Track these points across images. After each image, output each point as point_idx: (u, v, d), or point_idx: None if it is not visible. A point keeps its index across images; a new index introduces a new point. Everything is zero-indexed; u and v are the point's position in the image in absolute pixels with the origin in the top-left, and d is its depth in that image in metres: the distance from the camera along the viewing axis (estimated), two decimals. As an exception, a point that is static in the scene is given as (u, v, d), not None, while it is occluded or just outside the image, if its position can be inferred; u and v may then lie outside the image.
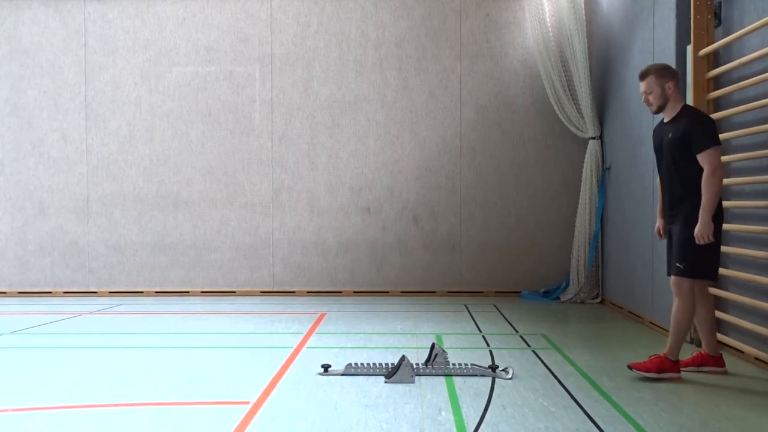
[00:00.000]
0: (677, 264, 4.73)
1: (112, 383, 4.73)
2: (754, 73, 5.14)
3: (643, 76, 4.87)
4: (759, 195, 5.13)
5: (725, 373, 4.89)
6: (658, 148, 4.95)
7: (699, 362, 4.94)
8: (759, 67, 5.08)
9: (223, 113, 9.45)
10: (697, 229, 4.58)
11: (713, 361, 4.93)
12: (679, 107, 4.83)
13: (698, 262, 4.69)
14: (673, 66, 6.18)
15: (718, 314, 5.60)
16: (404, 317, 7.48)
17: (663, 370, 4.73)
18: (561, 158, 9.20)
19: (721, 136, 5.51)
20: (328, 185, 9.38)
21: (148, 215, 9.48)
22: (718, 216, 4.71)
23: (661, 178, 5.03)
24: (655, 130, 5.07)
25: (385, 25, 9.36)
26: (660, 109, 4.87)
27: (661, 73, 4.80)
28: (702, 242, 4.58)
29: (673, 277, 4.78)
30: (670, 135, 4.79)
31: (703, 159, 4.59)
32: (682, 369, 4.86)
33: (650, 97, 4.84)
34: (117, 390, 4.56)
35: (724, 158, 5.51)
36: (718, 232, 4.71)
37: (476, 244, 9.30)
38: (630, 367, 4.79)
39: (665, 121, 4.89)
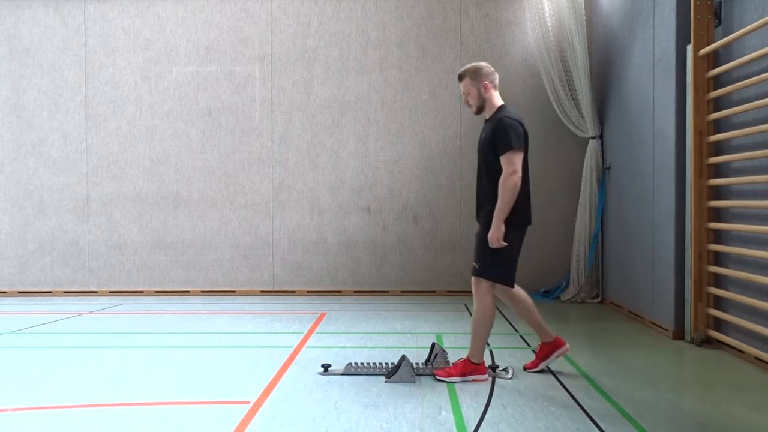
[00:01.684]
0: (474, 263, 4.73)
1: (112, 383, 4.73)
2: (754, 73, 5.14)
3: (460, 78, 4.85)
4: (759, 195, 5.13)
5: (567, 350, 4.93)
6: (478, 148, 4.90)
7: (544, 355, 4.92)
8: (759, 67, 5.08)
9: (223, 113, 9.45)
10: (489, 233, 4.58)
11: (553, 345, 4.91)
12: (495, 108, 4.80)
13: (493, 266, 4.67)
14: (674, 66, 6.20)
15: (718, 313, 5.61)
16: (404, 317, 7.48)
17: (466, 373, 4.68)
18: (561, 158, 9.19)
19: (722, 136, 5.54)
20: (328, 185, 9.38)
21: (148, 215, 9.48)
22: (519, 222, 4.68)
23: (477, 177, 4.96)
24: None
25: (385, 24, 9.36)
26: (480, 110, 4.84)
27: (475, 74, 4.78)
28: (494, 246, 4.58)
29: (472, 277, 4.77)
30: (483, 135, 4.79)
31: (503, 161, 4.56)
32: (532, 371, 4.88)
33: (469, 99, 4.84)
34: (117, 390, 4.56)
35: (724, 158, 5.53)
36: (517, 238, 4.70)
37: (476, 243, 9.29)
38: (435, 376, 4.74)
39: (485, 120, 4.87)
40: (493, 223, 4.56)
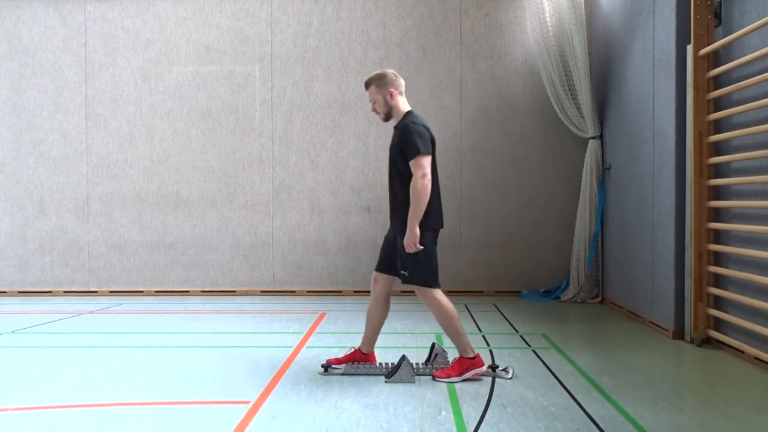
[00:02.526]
0: (402, 272, 4.75)
1: (112, 383, 4.73)
2: (754, 73, 5.14)
3: (366, 86, 4.92)
4: (759, 195, 5.13)
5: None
6: (389, 155, 4.91)
7: (354, 359, 4.98)
8: (759, 67, 5.08)
9: (224, 113, 9.45)
10: (405, 238, 4.61)
11: (365, 357, 5.00)
12: (402, 114, 4.83)
13: (422, 270, 4.71)
14: (674, 66, 6.21)
15: (718, 313, 5.61)
16: (404, 317, 7.48)
17: (464, 371, 4.70)
18: (561, 158, 9.19)
19: (722, 136, 5.54)
20: (328, 185, 9.38)
21: (148, 215, 9.48)
22: (433, 225, 4.74)
23: (389, 184, 4.99)
24: None
25: (385, 24, 9.35)
26: (388, 117, 4.89)
27: (380, 82, 4.83)
28: (411, 250, 4.61)
29: (415, 287, 4.80)
30: (392, 141, 4.83)
31: (412, 165, 4.60)
32: (333, 365, 4.90)
33: (376, 107, 4.89)
34: (117, 389, 4.56)
35: (724, 158, 5.53)
36: (433, 240, 4.76)
37: (476, 243, 9.30)
38: (434, 377, 4.74)
39: (394, 127, 4.89)
40: (408, 227, 4.60)
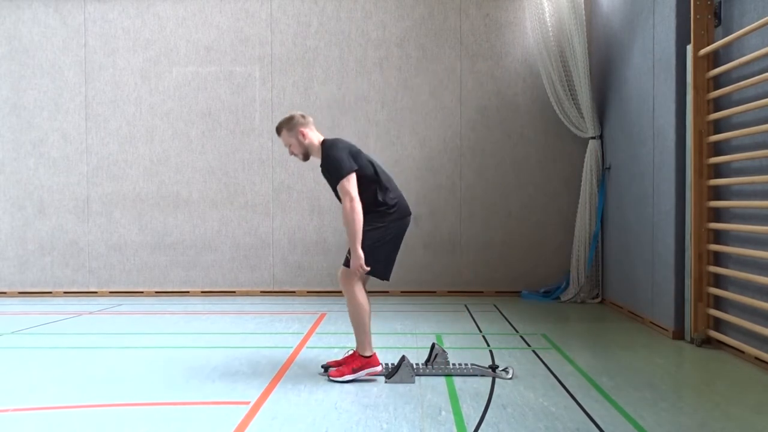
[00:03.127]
0: (347, 254, 4.77)
1: (112, 383, 4.73)
2: (754, 73, 5.14)
3: (277, 132, 4.95)
4: (759, 195, 5.13)
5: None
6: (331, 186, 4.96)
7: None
8: (759, 67, 5.08)
9: (223, 113, 9.45)
10: (351, 262, 4.62)
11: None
12: (318, 147, 4.87)
13: (366, 260, 4.68)
14: (674, 66, 6.21)
15: (718, 313, 5.61)
16: (404, 317, 7.48)
17: (357, 369, 4.70)
18: (561, 158, 9.19)
19: (722, 136, 5.54)
20: (328, 185, 9.34)
21: (148, 215, 9.48)
22: (398, 215, 4.79)
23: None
24: None
25: (385, 24, 9.35)
26: (306, 156, 4.94)
27: (289, 125, 4.88)
28: (359, 273, 4.61)
29: (341, 268, 4.81)
30: (323, 174, 4.87)
31: (340, 191, 4.67)
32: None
33: (293, 149, 4.93)
34: (117, 390, 4.56)
35: (724, 158, 5.54)
36: (397, 232, 4.81)
37: (476, 243, 9.30)
38: (329, 378, 4.71)
39: (320, 165, 4.91)
40: (351, 251, 4.61)
